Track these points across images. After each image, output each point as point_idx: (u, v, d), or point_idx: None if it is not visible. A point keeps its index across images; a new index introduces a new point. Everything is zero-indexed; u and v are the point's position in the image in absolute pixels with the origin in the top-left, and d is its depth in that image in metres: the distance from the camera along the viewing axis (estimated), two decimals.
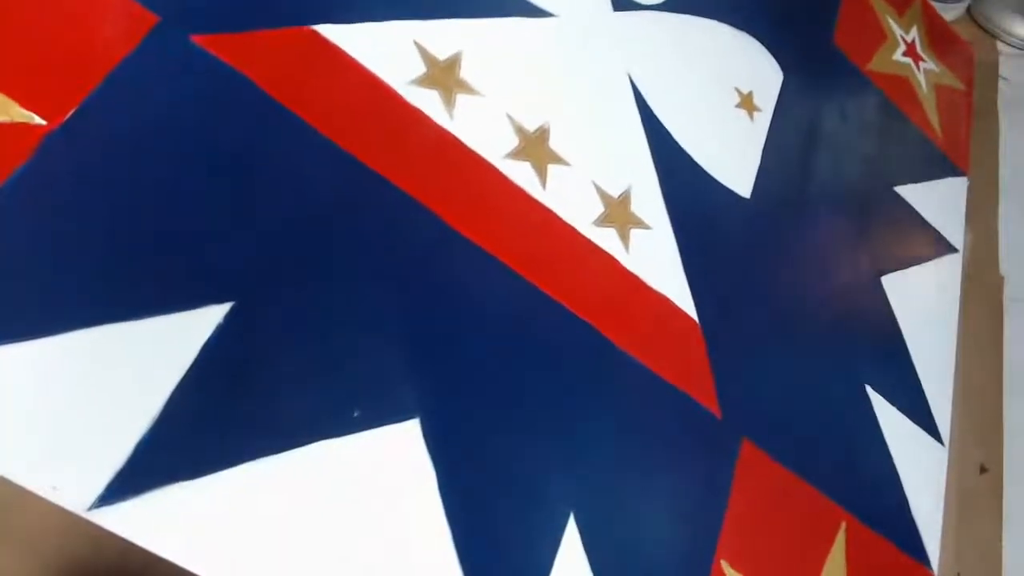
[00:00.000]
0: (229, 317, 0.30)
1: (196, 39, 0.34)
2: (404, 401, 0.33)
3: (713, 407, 0.43)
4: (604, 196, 0.43)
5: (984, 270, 0.62)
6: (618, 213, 0.44)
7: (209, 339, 0.29)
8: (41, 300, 0.28)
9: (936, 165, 0.64)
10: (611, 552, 0.37)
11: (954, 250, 0.61)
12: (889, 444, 0.49)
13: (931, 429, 0.52)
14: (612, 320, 0.41)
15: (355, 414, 0.32)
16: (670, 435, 0.41)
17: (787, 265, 0.51)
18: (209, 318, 0.30)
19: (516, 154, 0.41)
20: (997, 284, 0.61)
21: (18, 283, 0.27)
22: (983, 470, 0.52)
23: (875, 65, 0.65)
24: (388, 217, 0.36)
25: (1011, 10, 0.78)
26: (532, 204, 0.41)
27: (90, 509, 0.26)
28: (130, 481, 0.27)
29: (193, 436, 0.28)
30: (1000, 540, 0.50)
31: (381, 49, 0.39)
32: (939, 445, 0.52)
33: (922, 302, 0.56)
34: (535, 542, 0.35)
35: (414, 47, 0.40)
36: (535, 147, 0.42)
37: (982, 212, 0.65)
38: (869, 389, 0.50)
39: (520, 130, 0.42)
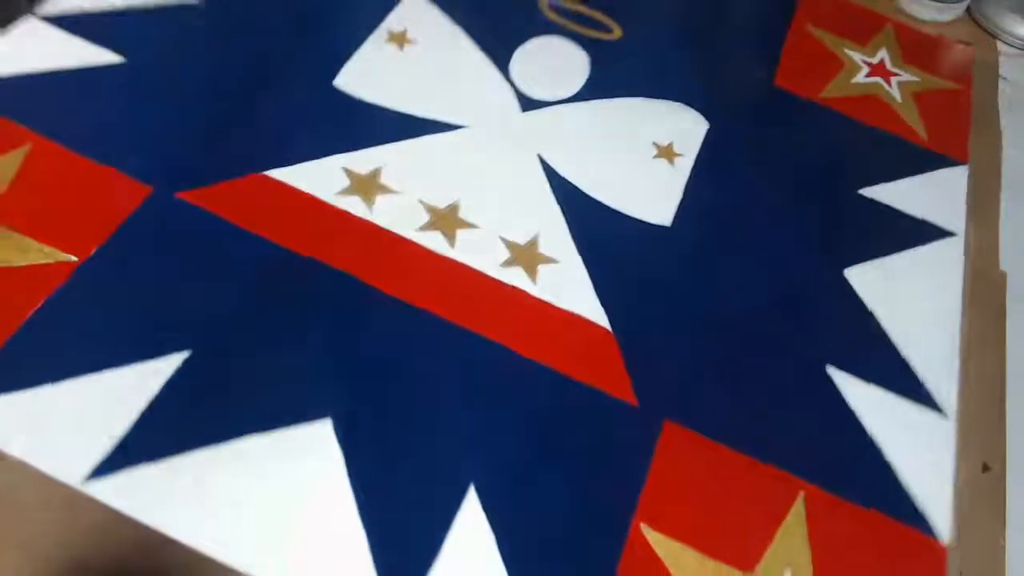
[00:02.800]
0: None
1: (179, 195, 0.52)
2: (322, 403, 0.46)
3: (629, 398, 0.49)
4: (511, 245, 0.54)
5: (986, 268, 0.61)
6: (524, 255, 0.54)
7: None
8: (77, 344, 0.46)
9: (920, 161, 0.66)
10: (513, 516, 0.44)
11: (948, 234, 0.62)
12: (861, 416, 0.51)
13: (922, 399, 0.53)
14: (520, 338, 0.50)
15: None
16: (580, 422, 0.48)
17: (716, 272, 0.56)
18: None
19: (427, 227, 0.54)
20: (999, 282, 0.61)
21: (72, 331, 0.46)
22: (986, 468, 0.51)
23: (830, 92, 0.70)
24: (319, 287, 0.50)
25: (1011, 10, 0.78)
26: (441, 260, 0.53)
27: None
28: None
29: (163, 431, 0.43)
30: (1003, 539, 0.49)
31: (315, 177, 0.55)
32: (934, 412, 0.52)
33: (906, 285, 0.58)
34: (434, 505, 0.43)
35: (342, 171, 0.56)
36: (444, 219, 0.55)
37: (983, 211, 0.65)
38: (831, 368, 0.53)
39: (431, 209, 0.55)
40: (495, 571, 0.42)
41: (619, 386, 0.50)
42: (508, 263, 0.54)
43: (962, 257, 0.61)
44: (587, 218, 0.57)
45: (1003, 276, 0.61)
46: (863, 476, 0.49)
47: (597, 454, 0.47)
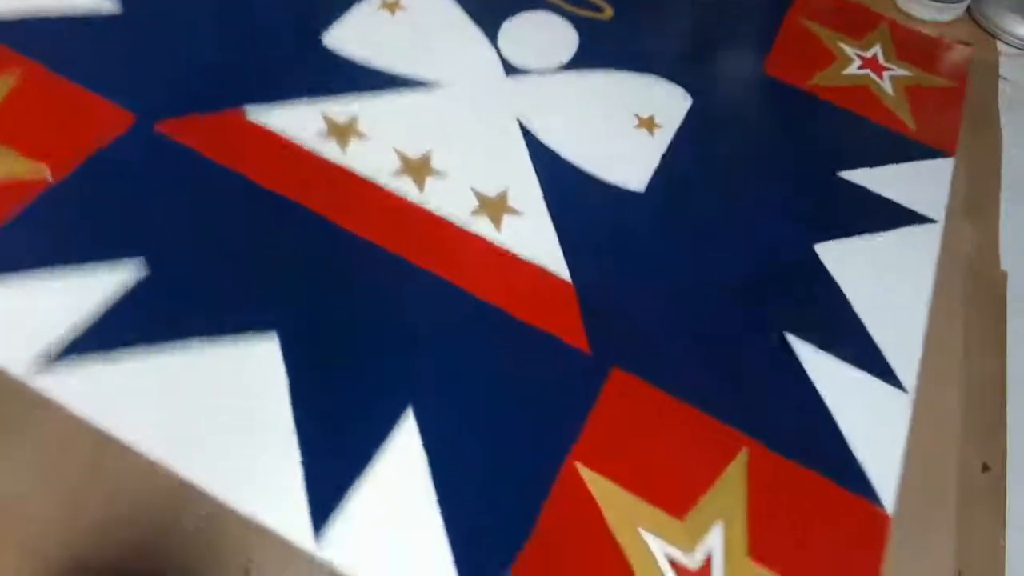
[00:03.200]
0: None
1: (159, 126, 0.54)
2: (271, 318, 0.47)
3: (582, 346, 0.49)
4: (480, 196, 0.55)
5: (986, 268, 0.61)
6: (492, 206, 0.55)
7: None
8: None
9: (905, 150, 0.66)
10: (450, 441, 0.44)
11: (927, 220, 0.61)
12: (816, 384, 0.51)
13: (884, 375, 0.52)
14: (479, 281, 0.51)
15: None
16: (529, 363, 0.49)
17: (683, 237, 0.57)
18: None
19: (398, 173, 0.55)
20: (999, 282, 0.60)
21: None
22: (985, 468, 0.51)
23: (820, 81, 0.70)
24: (284, 219, 0.52)
25: (1011, 10, 0.78)
26: (409, 206, 0.54)
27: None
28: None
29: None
30: (1003, 539, 0.48)
31: (292, 120, 0.57)
32: (894, 389, 0.52)
33: (876, 265, 0.58)
34: (370, 420, 0.44)
35: (320, 116, 0.57)
36: (416, 167, 0.56)
37: (984, 211, 0.64)
38: (791, 336, 0.53)
39: (404, 157, 0.56)
40: (424, 491, 0.42)
41: (573, 334, 0.50)
42: (476, 212, 0.54)
43: (939, 243, 0.60)
44: (560, 178, 0.58)
45: (1004, 276, 0.60)
46: (812, 441, 0.48)
47: (542, 394, 0.47)
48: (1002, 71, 0.75)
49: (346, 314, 0.48)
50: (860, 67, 0.72)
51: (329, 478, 0.42)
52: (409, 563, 0.41)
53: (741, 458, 0.47)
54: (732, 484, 0.46)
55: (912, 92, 0.71)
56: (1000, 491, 0.50)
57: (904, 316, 0.55)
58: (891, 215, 0.61)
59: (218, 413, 0.43)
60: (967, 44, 0.77)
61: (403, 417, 0.45)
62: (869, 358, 0.52)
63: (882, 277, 0.57)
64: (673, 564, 0.43)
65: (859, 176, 0.63)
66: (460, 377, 0.47)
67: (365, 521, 0.41)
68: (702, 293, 0.54)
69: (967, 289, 0.59)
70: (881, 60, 0.73)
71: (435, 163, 0.56)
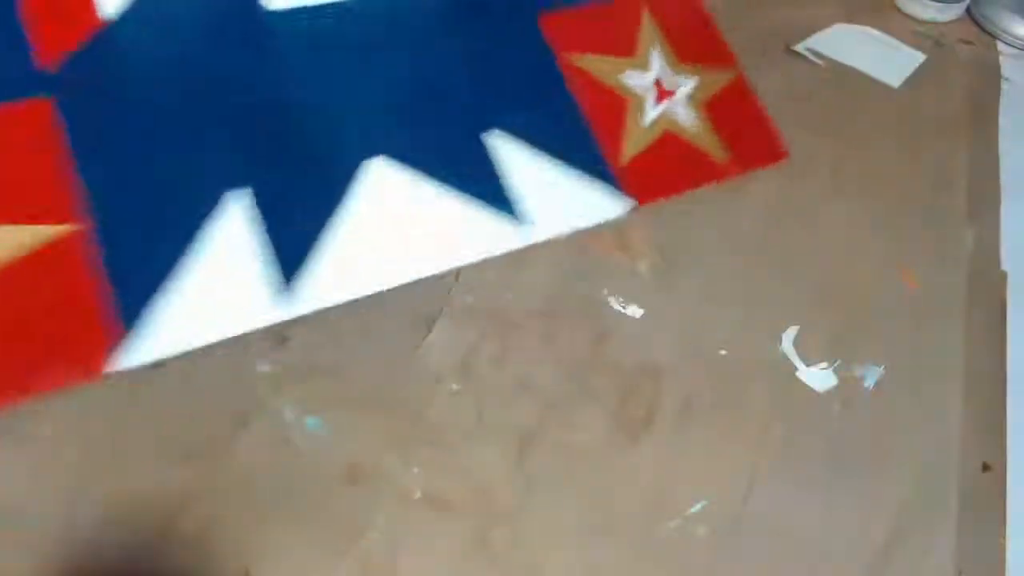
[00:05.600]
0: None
1: None
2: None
3: None
4: None
5: (987, 268, 0.61)
6: None
7: None
8: None
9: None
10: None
11: None
12: None
13: None
14: None
15: None
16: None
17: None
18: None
19: None
20: (1000, 282, 0.60)
21: None
22: (986, 468, 0.51)
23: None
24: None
25: (1011, 10, 0.78)
26: None
27: None
28: None
29: None
30: (1003, 538, 0.48)
31: None
32: None
33: None
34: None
35: None
36: None
37: (983, 210, 0.65)
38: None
39: None
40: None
41: None
42: None
43: None
44: None
45: (1004, 276, 0.61)
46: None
47: None
48: (1002, 71, 0.76)
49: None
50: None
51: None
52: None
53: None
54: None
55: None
56: (1000, 491, 0.50)
57: None
58: None
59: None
60: (968, 43, 0.77)
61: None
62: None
63: None
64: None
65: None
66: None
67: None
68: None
69: (967, 289, 0.59)
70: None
71: None
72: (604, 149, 0.58)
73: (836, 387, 0.53)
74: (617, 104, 0.61)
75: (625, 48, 0.63)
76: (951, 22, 0.79)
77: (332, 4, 0.54)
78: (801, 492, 0.48)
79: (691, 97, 0.64)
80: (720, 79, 0.66)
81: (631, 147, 0.59)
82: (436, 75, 0.56)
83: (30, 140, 0.45)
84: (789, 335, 0.54)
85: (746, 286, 0.57)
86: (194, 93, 0.50)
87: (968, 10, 0.80)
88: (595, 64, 0.61)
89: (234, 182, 0.47)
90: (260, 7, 0.52)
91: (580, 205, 0.56)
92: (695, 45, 0.67)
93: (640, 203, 0.57)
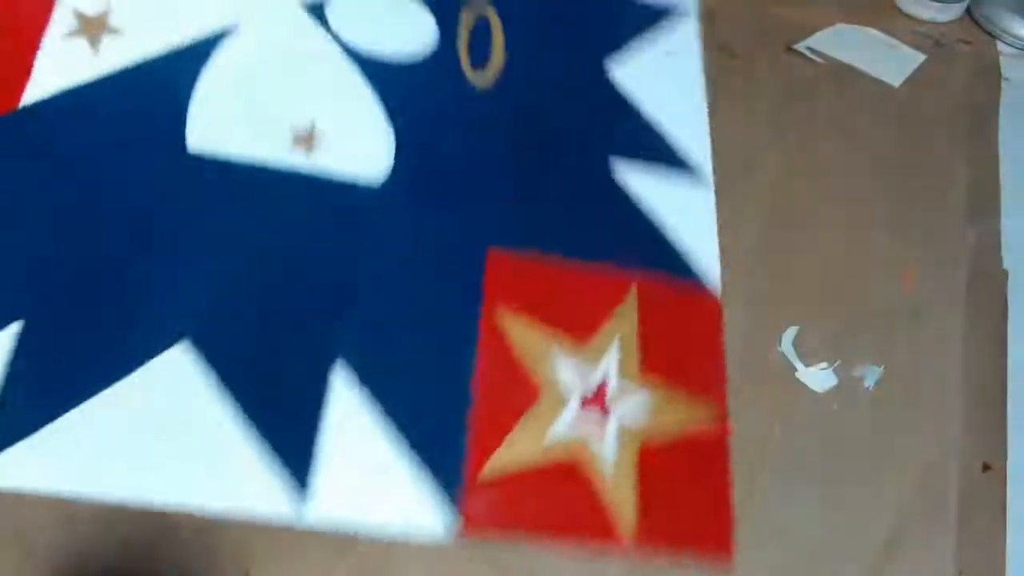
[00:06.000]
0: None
1: None
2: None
3: None
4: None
5: (987, 268, 0.61)
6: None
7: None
8: None
9: None
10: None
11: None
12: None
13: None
14: None
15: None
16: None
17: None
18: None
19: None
20: (1000, 281, 0.60)
21: None
22: (986, 468, 0.51)
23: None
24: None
25: (1011, 10, 0.78)
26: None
27: None
28: None
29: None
30: (1003, 537, 0.49)
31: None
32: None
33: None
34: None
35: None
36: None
37: (983, 210, 0.65)
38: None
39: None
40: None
41: None
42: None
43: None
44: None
45: (1004, 275, 0.61)
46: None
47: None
48: (1002, 71, 0.76)
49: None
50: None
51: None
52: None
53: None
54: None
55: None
56: (1000, 491, 0.50)
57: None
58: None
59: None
60: (967, 42, 0.77)
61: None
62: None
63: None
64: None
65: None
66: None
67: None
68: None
69: (967, 289, 0.59)
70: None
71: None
72: (470, 447, 0.44)
73: (836, 387, 0.53)
74: (522, 395, 0.46)
75: (579, 324, 0.48)
76: (951, 22, 0.79)
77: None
78: (801, 492, 0.49)
79: (627, 430, 0.46)
80: (689, 418, 0.48)
81: (504, 459, 0.44)
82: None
83: None
84: (789, 335, 0.54)
85: (746, 286, 0.57)
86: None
87: (968, 10, 0.80)
88: (523, 332, 0.47)
89: None
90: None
91: (390, 503, 0.42)
92: (677, 357, 0.49)
93: (467, 534, 0.42)
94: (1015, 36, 0.77)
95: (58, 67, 0.51)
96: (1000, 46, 0.78)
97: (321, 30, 0.56)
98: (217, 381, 0.43)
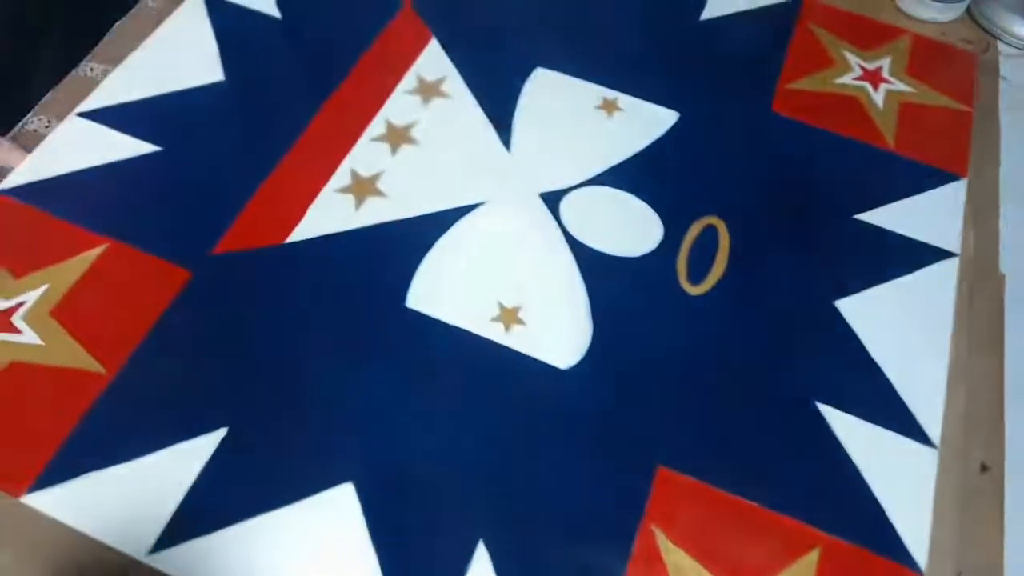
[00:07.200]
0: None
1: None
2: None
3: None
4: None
5: (985, 269, 0.62)
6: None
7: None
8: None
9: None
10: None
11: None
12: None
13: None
14: None
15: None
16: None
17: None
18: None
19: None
20: (998, 283, 0.61)
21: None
22: (984, 468, 0.52)
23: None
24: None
25: (1011, 10, 0.78)
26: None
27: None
28: None
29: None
30: (1002, 539, 0.49)
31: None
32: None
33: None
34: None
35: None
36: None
37: (983, 212, 0.65)
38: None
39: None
40: None
41: None
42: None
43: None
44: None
45: (1003, 278, 0.62)
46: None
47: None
48: (1002, 71, 0.76)
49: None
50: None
51: None
52: None
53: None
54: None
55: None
56: (1000, 491, 0.51)
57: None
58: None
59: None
60: (968, 42, 0.78)
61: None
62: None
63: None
64: None
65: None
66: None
67: None
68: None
69: (967, 290, 0.60)
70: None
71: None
72: None
73: None
74: None
75: (741, 572, 0.48)
76: (951, 22, 0.79)
77: None
78: None
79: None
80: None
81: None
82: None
83: None
84: None
85: None
86: None
87: (968, 10, 0.80)
88: (678, 561, 0.48)
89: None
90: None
91: None
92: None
93: None
94: (1015, 36, 0.78)
95: (323, 216, 0.60)
96: (1000, 46, 0.78)
97: (553, 220, 0.61)
98: (367, 530, 0.47)
